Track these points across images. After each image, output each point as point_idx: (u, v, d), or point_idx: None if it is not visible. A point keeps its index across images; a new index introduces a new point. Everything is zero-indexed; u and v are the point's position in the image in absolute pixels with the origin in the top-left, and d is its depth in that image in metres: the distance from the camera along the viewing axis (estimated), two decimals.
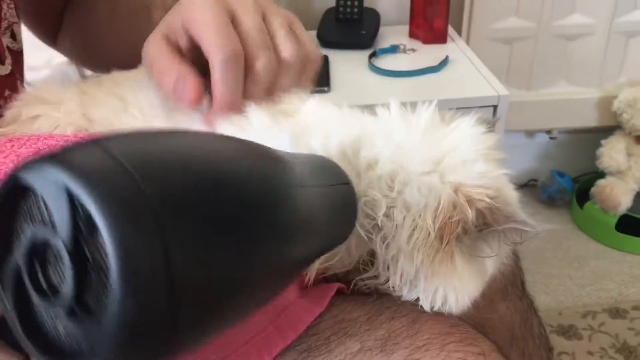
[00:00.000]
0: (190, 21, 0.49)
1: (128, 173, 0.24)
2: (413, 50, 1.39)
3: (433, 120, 0.48)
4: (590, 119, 1.72)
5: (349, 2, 1.42)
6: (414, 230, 0.45)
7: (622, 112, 1.63)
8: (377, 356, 0.44)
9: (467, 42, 1.54)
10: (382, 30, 1.45)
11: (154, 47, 0.52)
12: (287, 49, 0.51)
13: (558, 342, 1.36)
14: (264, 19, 0.51)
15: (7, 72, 0.57)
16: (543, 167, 1.87)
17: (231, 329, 0.29)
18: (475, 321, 0.53)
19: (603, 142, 1.70)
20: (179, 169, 0.26)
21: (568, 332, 1.40)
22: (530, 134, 1.84)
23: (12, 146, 0.47)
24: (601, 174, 1.71)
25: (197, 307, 0.25)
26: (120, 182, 0.23)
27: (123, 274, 0.22)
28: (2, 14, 0.59)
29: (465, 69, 1.29)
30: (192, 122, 0.51)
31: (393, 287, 0.47)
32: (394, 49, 1.37)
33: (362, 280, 0.49)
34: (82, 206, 0.23)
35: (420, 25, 1.43)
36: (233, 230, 0.27)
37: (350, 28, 1.42)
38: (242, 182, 0.29)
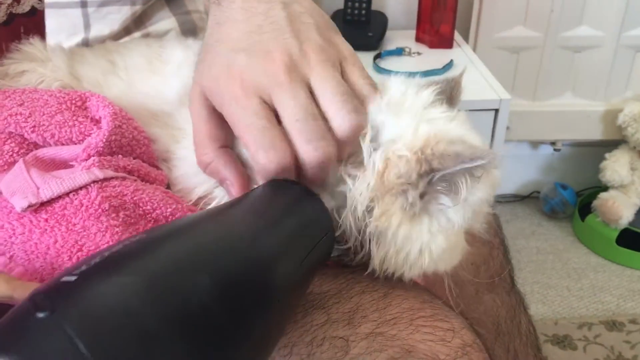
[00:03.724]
0: (228, 118, 0.45)
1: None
2: (418, 53, 1.39)
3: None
4: (595, 132, 1.72)
5: (357, 4, 1.43)
6: (358, 196, 0.45)
7: (627, 125, 1.63)
8: (343, 328, 0.44)
9: (474, 49, 1.54)
10: (389, 33, 1.46)
11: (195, 110, 0.47)
12: (342, 129, 0.44)
13: (552, 352, 1.35)
14: (303, 88, 0.44)
15: None
16: (546, 179, 1.87)
17: None
18: (458, 311, 0.53)
19: (607, 155, 1.69)
20: (136, 338, 0.26)
21: (563, 342, 1.39)
22: (534, 145, 1.84)
23: None
24: (605, 188, 1.70)
25: None
26: None
27: None
28: None
29: (469, 73, 1.29)
30: (169, 88, 0.52)
31: (353, 255, 0.47)
32: (399, 52, 1.38)
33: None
34: None
35: (427, 30, 1.44)
36: None
37: (358, 30, 1.43)
38: (210, 327, 0.29)
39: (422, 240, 0.45)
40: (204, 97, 0.46)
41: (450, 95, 0.50)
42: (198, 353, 0.28)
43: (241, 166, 0.47)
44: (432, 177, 0.43)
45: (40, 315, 0.25)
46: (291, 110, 0.43)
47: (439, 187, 0.44)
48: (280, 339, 0.38)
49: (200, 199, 0.50)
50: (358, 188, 0.45)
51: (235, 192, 0.46)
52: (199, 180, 0.50)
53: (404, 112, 0.46)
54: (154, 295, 0.28)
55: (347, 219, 0.46)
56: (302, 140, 0.43)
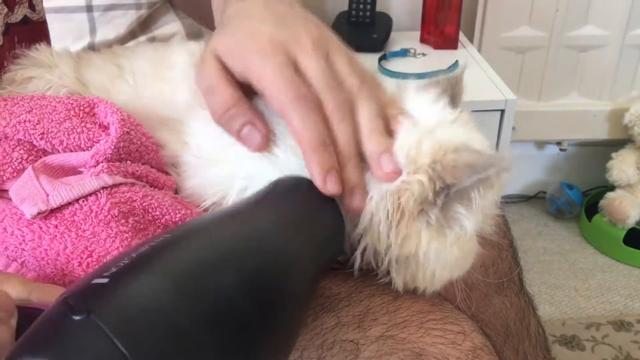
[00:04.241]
0: (250, 71, 0.44)
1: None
2: (423, 54, 1.39)
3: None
4: (601, 132, 1.71)
5: (361, 6, 1.43)
6: (371, 217, 0.44)
7: (634, 125, 1.62)
8: (353, 332, 0.44)
9: (479, 49, 1.54)
10: (394, 35, 1.46)
11: (212, 72, 0.46)
12: (353, 83, 0.45)
13: (560, 352, 1.35)
14: (327, 59, 0.45)
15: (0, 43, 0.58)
16: (552, 179, 1.86)
17: None
18: (469, 314, 0.53)
19: (614, 155, 1.69)
20: (169, 336, 0.27)
21: (571, 342, 1.39)
22: (540, 145, 1.83)
23: (6, 105, 0.48)
24: (611, 188, 1.70)
25: None
26: None
27: None
28: None
29: (475, 73, 1.29)
30: (177, 93, 0.53)
31: (368, 268, 0.47)
32: (404, 53, 1.38)
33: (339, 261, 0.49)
34: None
35: (432, 31, 1.44)
36: None
37: (362, 31, 1.43)
38: (240, 334, 0.30)
39: (446, 254, 0.45)
40: (219, 62, 0.45)
41: (452, 93, 0.50)
42: (227, 347, 0.29)
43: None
44: (447, 192, 0.43)
45: (77, 317, 0.26)
46: (313, 67, 0.44)
47: (453, 198, 0.44)
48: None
49: (208, 208, 0.50)
50: (376, 221, 0.44)
51: (260, 136, 0.45)
52: (212, 191, 0.50)
53: (402, 126, 0.45)
54: (184, 293, 0.29)
55: (366, 252, 0.46)
56: (321, 87, 0.44)
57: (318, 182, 0.42)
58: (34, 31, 0.62)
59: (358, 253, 0.46)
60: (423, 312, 0.46)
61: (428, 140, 0.44)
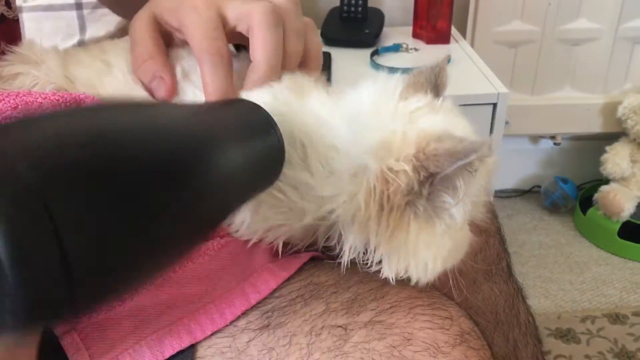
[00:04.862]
0: (182, 25, 0.50)
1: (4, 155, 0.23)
2: (416, 49, 1.39)
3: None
4: (594, 125, 1.72)
5: (353, 1, 1.43)
6: (356, 212, 0.44)
7: (627, 118, 1.63)
8: (341, 317, 0.44)
9: (472, 44, 1.54)
10: (386, 30, 1.46)
11: (141, 27, 0.52)
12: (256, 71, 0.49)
13: (556, 345, 1.35)
14: None
15: None
16: (547, 173, 1.87)
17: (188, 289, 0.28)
18: (459, 300, 0.53)
19: (607, 148, 1.69)
20: (61, 144, 0.25)
21: (566, 335, 1.39)
22: (534, 139, 1.84)
23: None
24: (606, 181, 1.70)
25: (95, 283, 0.25)
26: None
27: (14, 263, 0.22)
28: None
29: (467, 67, 1.29)
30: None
31: (354, 260, 0.47)
32: (396, 48, 1.38)
33: (325, 251, 0.49)
34: None
35: (424, 26, 1.44)
36: (130, 202, 0.26)
37: (354, 27, 1.43)
38: (138, 151, 0.28)
39: (437, 245, 0.45)
40: (153, 20, 0.52)
41: (435, 83, 0.49)
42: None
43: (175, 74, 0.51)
44: (432, 181, 0.43)
45: None
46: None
47: (439, 187, 0.43)
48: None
49: None
50: (364, 216, 0.44)
51: (166, 88, 0.51)
52: None
53: (383, 115, 0.45)
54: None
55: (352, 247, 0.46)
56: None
57: None
58: (10, 29, 0.62)
59: (346, 249, 0.46)
60: (411, 298, 0.46)
61: (411, 127, 0.44)
